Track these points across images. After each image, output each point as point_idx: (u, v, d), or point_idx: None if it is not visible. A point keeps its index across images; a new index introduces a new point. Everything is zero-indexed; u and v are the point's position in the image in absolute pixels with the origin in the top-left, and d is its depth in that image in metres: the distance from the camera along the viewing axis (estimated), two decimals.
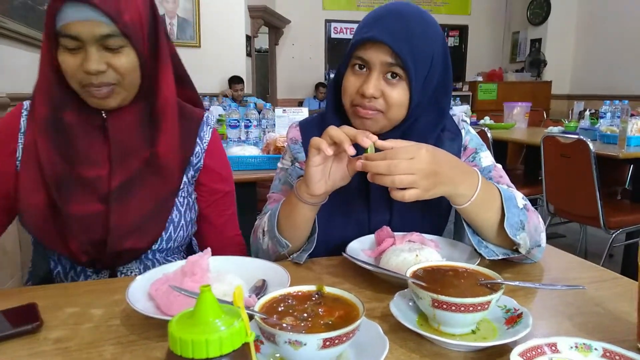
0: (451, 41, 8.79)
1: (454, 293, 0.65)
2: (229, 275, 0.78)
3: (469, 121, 1.14)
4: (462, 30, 8.82)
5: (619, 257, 3.22)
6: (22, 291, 0.86)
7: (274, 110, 2.59)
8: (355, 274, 0.91)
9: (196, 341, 0.41)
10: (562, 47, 7.45)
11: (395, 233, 0.96)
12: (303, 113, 2.60)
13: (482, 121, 4.53)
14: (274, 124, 2.54)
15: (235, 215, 1.20)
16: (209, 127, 1.14)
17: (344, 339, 0.55)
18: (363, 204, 1.05)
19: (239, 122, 2.54)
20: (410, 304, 0.74)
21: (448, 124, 1.07)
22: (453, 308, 0.63)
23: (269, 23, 7.33)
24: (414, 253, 0.86)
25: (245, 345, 0.44)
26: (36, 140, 0.98)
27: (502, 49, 8.68)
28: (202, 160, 1.11)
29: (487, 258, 0.91)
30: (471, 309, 0.63)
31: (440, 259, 0.86)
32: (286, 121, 2.56)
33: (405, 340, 0.67)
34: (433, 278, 0.70)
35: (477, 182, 0.86)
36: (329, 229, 1.02)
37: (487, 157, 1.07)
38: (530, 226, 0.90)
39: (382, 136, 0.88)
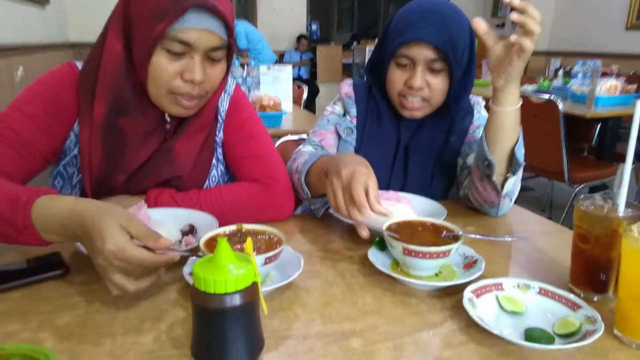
0: None
1: (421, 243, 0.77)
2: (165, 223, 0.87)
3: (482, 104, 1.27)
4: None
5: None
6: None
7: (258, 68, 2.63)
8: (341, 226, 1.03)
9: (217, 280, 0.52)
10: (543, 2, 7.47)
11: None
12: (287, 69, 2.65)
13: None
14: (259, 82, 2.59)
15: None
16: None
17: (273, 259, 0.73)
18: (387, 166, 1.20)
19: None
20: (384, 252, 0.86)
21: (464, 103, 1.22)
22: (420, 255, 0.75)
23: None
24: (390, 209, 0.98)
25: (254, 283, 0.55)
26: (90, 143, 0.93)
27: (484, 3, 8.64)
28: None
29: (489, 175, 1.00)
30: (435, 255, 0.75)
31: (412, 214, 0.98)
32: (270, 78, 2.61)
33: (380, 281, 0.80)
34: (404, 230, 0.83)
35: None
36: None
37: None
38: (519, 176, 1.04)
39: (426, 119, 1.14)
